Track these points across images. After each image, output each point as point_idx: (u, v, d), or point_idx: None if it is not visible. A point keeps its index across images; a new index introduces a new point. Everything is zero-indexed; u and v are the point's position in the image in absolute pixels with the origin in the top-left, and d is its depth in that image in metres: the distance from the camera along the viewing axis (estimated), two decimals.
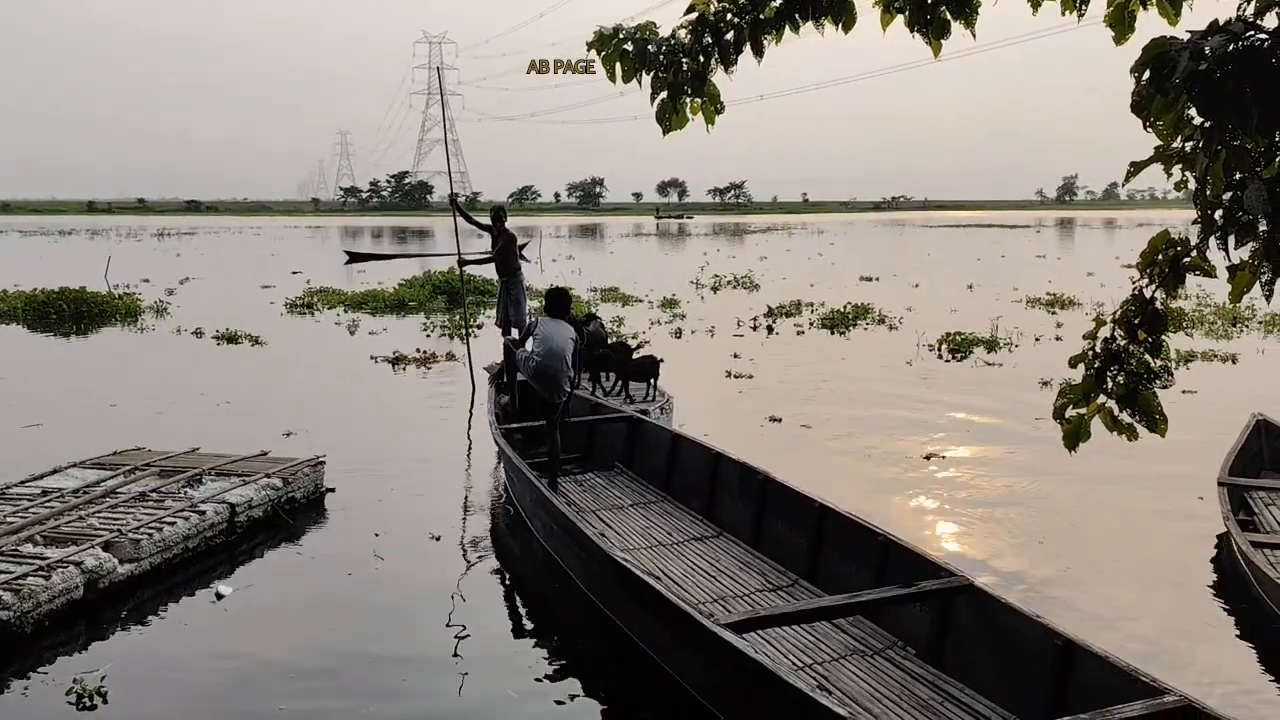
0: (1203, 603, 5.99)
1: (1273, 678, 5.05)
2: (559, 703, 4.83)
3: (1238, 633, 5.57)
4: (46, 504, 6.77)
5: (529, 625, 5.91)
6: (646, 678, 4.97)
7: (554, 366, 7.38)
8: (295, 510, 7.41)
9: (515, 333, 12.50)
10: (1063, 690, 4.06)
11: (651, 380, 10.15)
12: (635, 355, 10.45)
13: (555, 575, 6.30)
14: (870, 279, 29.16)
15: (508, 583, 6.49)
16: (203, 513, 6.66)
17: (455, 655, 5.27)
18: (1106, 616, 5.61)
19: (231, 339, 16.61)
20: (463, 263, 12.75)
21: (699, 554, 6.36)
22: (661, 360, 10.38)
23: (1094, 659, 3.98)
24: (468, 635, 5.55)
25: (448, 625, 5.67)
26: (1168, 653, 5.18)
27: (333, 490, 7.94)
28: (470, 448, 9.85)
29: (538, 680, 5.05)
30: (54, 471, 7.54)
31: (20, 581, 5.44)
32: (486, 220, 12.09)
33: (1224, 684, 4.86)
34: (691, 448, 7.47)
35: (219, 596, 5.95)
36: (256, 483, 7.24)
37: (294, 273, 32.34)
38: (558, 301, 7.78)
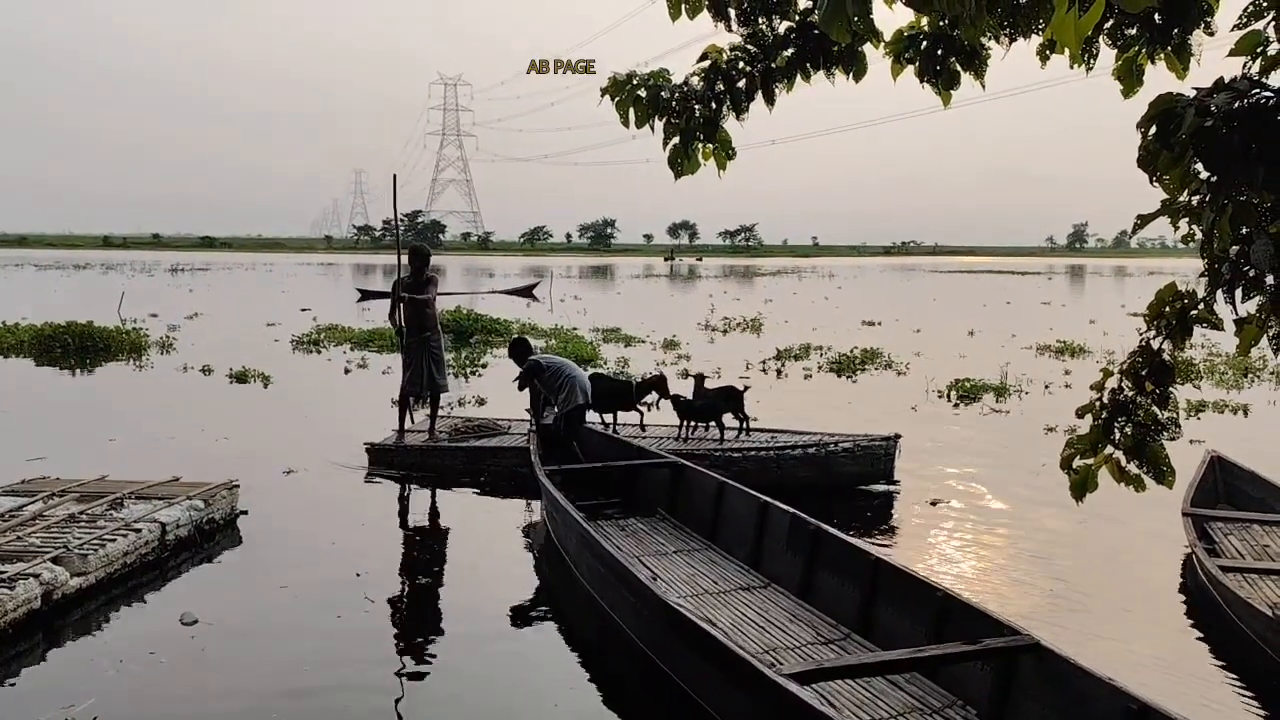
0: (1186, 629, 6.31)
1: (1241, 688, 5.40)
2: None
3: (1215, 653, 5.89)
4: None
5: (569, 671, 5.69)
6: None
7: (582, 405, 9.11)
8: (214, 531, 7.74)
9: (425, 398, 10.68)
10: None
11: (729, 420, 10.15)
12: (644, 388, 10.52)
13: (601, 620, 6.13)
14: (873, 323, 29.21)
15: (546, 627, 6.34)
16: (138, 531, 6.98)
17: (481, 704, 5.21)
18: (1119, 667, 5.56)
19: (241, 378, 16.63)
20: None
21: (746, 604, 6.17)
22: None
23: None
24: (494, 681, 5.45)
25: (467, 673, 5.57)
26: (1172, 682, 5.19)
27: (245, 513, 8.19)
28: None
29: None
30: None
31: None
32: (404, 278, 10.43)
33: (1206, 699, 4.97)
34: (738, 495, 7.21)
35: (185, 623, 5.91)
36: (180, 504, 7.55)
37: (303, 309, 32.40)
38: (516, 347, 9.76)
